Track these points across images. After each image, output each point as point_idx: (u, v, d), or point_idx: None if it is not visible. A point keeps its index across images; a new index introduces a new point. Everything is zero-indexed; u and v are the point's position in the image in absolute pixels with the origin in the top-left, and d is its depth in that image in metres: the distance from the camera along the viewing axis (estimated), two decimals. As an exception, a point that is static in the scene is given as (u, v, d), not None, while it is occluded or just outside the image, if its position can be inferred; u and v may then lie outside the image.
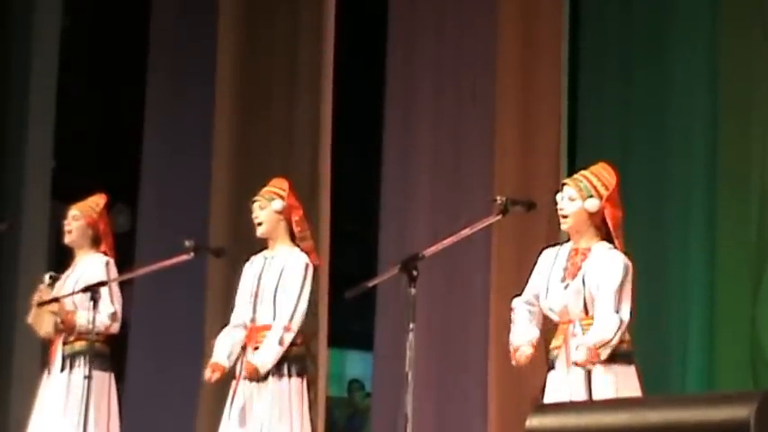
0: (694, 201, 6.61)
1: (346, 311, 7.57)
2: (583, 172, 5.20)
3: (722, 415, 3.08)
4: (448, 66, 7.67)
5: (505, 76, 7.31)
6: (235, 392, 5.71)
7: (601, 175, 5.13)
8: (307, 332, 5.78)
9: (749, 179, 6.42)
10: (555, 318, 5.06)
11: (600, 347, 4.82)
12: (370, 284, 4.96)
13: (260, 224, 5.83)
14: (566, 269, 5.06)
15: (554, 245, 5.21)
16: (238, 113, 8.32)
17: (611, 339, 4.84)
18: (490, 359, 6.97)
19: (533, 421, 3.49)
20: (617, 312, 4.89)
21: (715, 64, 6.62)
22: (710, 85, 6.62)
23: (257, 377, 5.61)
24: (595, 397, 4.85)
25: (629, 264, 4.98)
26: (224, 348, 5.76)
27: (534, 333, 5.08)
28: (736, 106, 6.50)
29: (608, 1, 7.16)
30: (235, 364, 5.74)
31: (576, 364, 4.87)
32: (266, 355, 5.61)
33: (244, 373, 5.63)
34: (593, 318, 4.96)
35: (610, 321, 4.87)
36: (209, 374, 5.76)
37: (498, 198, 4.97)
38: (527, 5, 7.32)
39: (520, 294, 5.19)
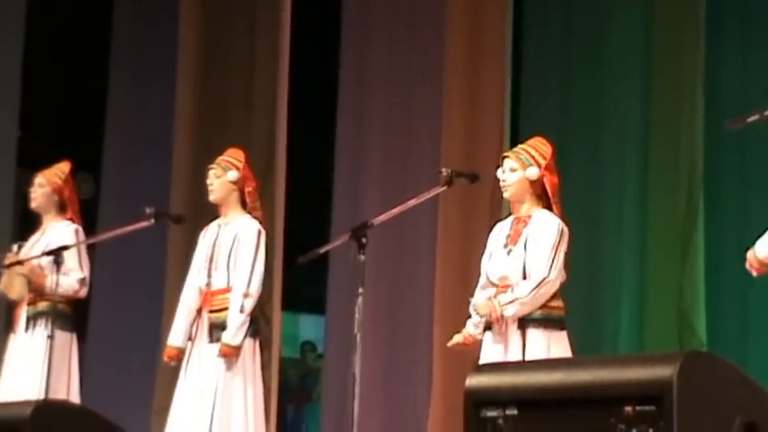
0: (628, 177, 6.85)
1: (300, 277, 7.73)
2: (520, 146, 5.43)
3: (648, 374, 3.17)
4: (400, 46, 7.82)
5: (453, 56, 7.47)
6: (190, 353, 5.86)
7: (538, 147, 5.35)
8: (261, 296, 5.93)
9: (678, 156, 6.65)
10: (495, 282, 5.24)
11: (506, 303, 5.04)
12: (322, 251, 5.16)
13: (213, 191, 5.98)
14: (508, 236, 5.26)
15: (499, 220, 5.43)
16: (199, 86, 8.41)
17: (524, 296, 5.04)
18: (435, 322, 7.19)
19: (472, 381, 3.49)
20: (549, 270, 5.08)
21: (648, 51, 6.83)
22: (643, 69, 6.84)
23: (235, 353, 5.74)
24: (528, 358, 5.05)
25: (565, 228, 5.19)
26: (180, 330, 5.92)
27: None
28: (667, 88, 6.72)
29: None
30: (190, 329, 5.90)
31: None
32: (235, 330, 5.74)
33: (220, 354, 5.74)
34: (530, 282, 5.21)
35: (531, 281, 5.07)
36: (167, 360, 5.92)
37: (444, 170, 5.16)
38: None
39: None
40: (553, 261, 5.11)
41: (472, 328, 5.32)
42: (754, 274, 4.48)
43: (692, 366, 3.11)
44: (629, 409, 3.13)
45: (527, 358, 5.06)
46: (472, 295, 5.31)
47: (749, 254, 4.44)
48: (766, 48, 6.47)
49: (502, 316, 5.05)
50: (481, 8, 7.47)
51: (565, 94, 7.22)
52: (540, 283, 5.07)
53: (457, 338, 5.36)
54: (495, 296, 5.13)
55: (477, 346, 5.29)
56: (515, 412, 3.41)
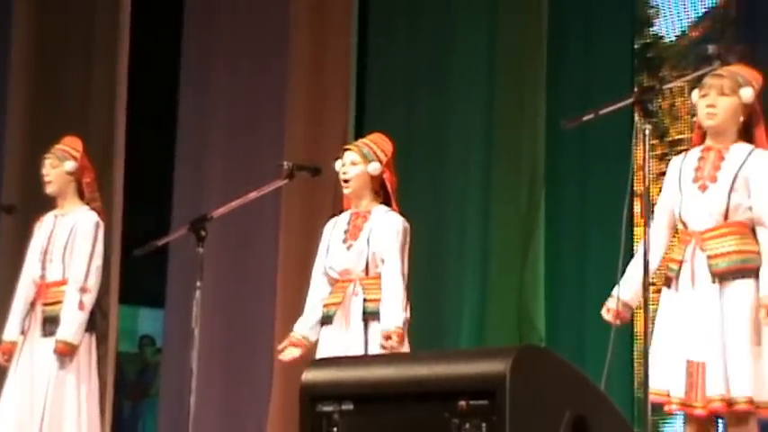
0: (471, 176, 6.94)
1: (140, 270, 7.63)
2: (362, 140, 5.44)
3: (481, 368, 3.19)
4: (243, 37, 7.78)
5: (297, 49, 7.47)
6: (22, 347, 5.74)
7: (379, 142, 5.37)
8: (98, 289, 5.82)
9: (520, 156, 6.76)
10: (335, 276, 5.27)
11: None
12: (159, 243, 5.10)
13: (49, 182, 5.86)
14: (347, 231, 5.28)
15: (334, 215, 5.44)
16: (34, 72, 8.22)
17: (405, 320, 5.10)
18: (276, 318, 7.16)
19: (308, 375, 3.46)
20: (402, 275, 5.14)
21: (492, 51, 6.91)
22: (489, 70, 6.93)
23: (73, 351, 5.63)
24: (371, 353, 5.09)
25: (408, 225, 5.24)
26: (17, 324, 5.79)
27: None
28: (510, 89, 6.83)
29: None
30: (23, 322, 5.78)
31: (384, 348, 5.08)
32: (71, 327, 5.63)
33: (56, 351, 5.63)
34: (372, 278, 5.22)
35: (396, 305, 5.09)
36: (2, 355, 5.79)
37: (285, 163, 5.16)
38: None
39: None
40: (403, 261, 5.17)
41: (305, 329, 5.29)
42: (619, 323, 4.54)
43: (524, 361, 3.14)
44: (463, 403, 3.14)
45: (370, 353, 5.09)
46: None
47: (609, 303, 4.51)
48: (606, 50, 6.60)
49: None
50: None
51: (410, 91, 7.27)
52: (404, 301, 5.13)
53: (290, 350, 5.29)
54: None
55: (309, 348, 5.27)
56: (351, 407, 3.40)
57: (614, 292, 4.51)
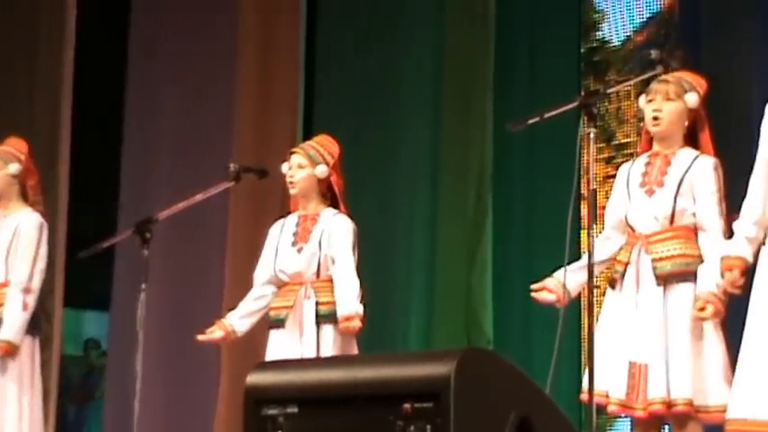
0: (419, 179, 6.96)
1: (85, 272, 7.58)
2: (308, 142, 5.45)
3: (426, 371, 3.20)
4: (192, 34, 7.75)
5: (246, 51, 7.46)
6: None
7: (326, 145, 5.39)
8: (41, 291, 5.79)
9: (468, 158, 6.78)
10: (286, 279, 5.27)
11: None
12: (104, 245, 5.07)
13: None
14: (296, 234, 5.30)
15: (281, 217, 5.44)
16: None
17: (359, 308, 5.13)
18: (223, 321, 7.15)
19: (253, 378, 3.46)
20: (355, 272, 5.18)
21: (440, 52, 6.92)
22: (437, 73, 6.94)
23: (15, 351, 5.58)
24: (323, 355, 5.11)
25: (356, 227, 5.27)
26: None
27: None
28: (459, 93, 6.86)
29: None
30: None
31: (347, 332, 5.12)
32: (13, 327, 5.59)
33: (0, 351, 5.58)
34: (324, 280, 5.24)
35: (353, 293, 5.14)
36: None
37: (232, 165, 5.18)
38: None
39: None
40: (353, 260, 5.19)
41: (234, 318, 5.32)
42: (543, 299, 4.59)
43: (469, 364, 3.15)
44: (407, 406, 3.14)
45: (321, 355, 5.10)
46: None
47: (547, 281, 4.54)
48: (553, 54, 6.63)
49: None
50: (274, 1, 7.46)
51: (358, 95, 7.27)
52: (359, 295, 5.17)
53: (211, 330, 5.32)
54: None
55: (231, 337, 5.31)
56: (296, 410, 3.39)
57: (558, 273, 4.55)
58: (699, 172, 4.49)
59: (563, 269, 4.51)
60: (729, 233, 4.29)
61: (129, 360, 5.09)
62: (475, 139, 6.75)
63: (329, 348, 5.14)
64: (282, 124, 7.33)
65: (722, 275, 4.18)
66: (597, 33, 6.67)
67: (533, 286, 4.66)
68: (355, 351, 5.22)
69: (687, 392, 4.32)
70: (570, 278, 4.50)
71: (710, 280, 4.32)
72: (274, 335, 5.25)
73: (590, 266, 4.00)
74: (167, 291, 7.33)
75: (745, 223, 4.15)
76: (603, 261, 4.60)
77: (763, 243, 4.06)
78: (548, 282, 4.63)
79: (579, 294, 5.40)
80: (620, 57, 6.57)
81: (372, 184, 6.98)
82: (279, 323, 5.23)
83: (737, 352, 4.06)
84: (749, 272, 4.13)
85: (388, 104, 7.13)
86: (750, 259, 4.14)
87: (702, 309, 4.31)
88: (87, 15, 8.09)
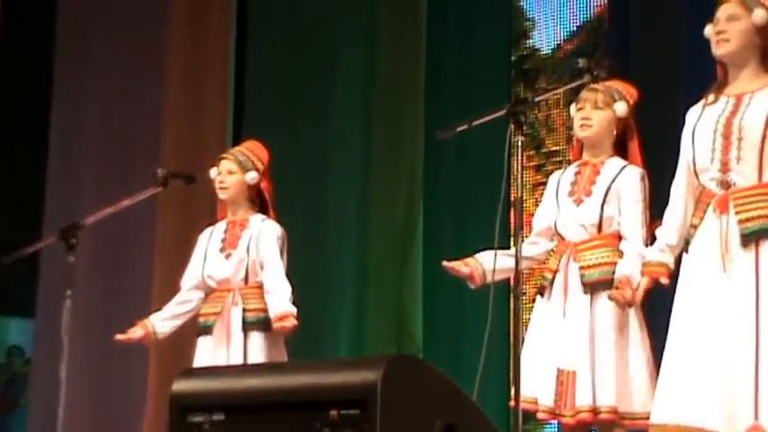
0: (350, 183, 6.94)
1: (9, 278, 7.48)
2: (238, 147, 5.44)
3: (353, 378, 3.21)
4: (120, 40, 7.67)
5: (175, 56, 7.41)
6: None
7: (256, 151, 5.39)
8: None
9: (399, 163, 6.79)
10: (214, 286, 5.26)
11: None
12: (28, 251, 5.01)
13: None
14: (224, 240, 5.28)
15: (210, 224, 5.42)
16: None
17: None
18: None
19: (179, 385, 3.47)
20: (285, 276, 5.17)
21: (371, 56, 6.92)
22: (368, 80, 6.94)
23: None
24: (251, 362, 5.10)
25: (285, 233, 5.27)
26: None
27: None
28: (390, 100, 6.86)
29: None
30: None
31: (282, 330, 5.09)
32: None
33: None
34: (252, 287, 5.21)
35: (285, 295, 5.13)
36: None
37: (159, 171, 5.15)
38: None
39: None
40: (283, 265, 5.20)
41: (156, 320, 5.32)
42: (474, 284, 4.61)
43: (395, 371, 3.15)
44: (334, 413, 3.15)
45: (249, 362, 5.09)
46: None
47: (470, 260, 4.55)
48: (484, 62, 6.65)
49: None
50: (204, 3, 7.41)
51: (288, 95, 7.24)
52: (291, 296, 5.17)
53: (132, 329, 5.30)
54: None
55: (151, 339, 5.29)
56: (222, 417, 3.37)
57: (479, 254, 4.57)
58: (625, 181, 4.55)
59: (486, 252, 4.54)
60: (652, 242, 4.34)
61: (54, 367, 5.03)
62: (406, 146, 6.76)
63: (257, 355, 5.14)
64: (212, 129, 7.29)
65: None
66: (528, 41, 6.71)
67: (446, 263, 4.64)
68: (284, 358, 5.20)
69: (611, 400, 4.36)
70: (490, 261, 4.50)
71: (629, 267, 4.34)
72: (202, 342, 5.23)
73: (517, 273, 4.02)
74: (94, 297, 7.26)
75: (667, 230, 4.19)
76: (529, 258, 4.60)
77: (686, 250, 4.11)
78: (467, 259, 4.64)
79: (509, 304, 5.44)
80: (551, 65, 6.61)
81: (302, 190, 6.97)
82: (207, 330, 5.22)
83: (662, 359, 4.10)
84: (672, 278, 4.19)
85: (318, 110, 7.11)
86: (671, 266, 4.19)
87: (618, 289, 4.31)
88: (12, 18, 7.99)
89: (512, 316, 5.95)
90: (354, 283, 6.81)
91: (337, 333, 6.82)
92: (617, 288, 4.32)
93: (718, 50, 4.09)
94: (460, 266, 4.64)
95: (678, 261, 4.16)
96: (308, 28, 7.22)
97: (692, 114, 4.19)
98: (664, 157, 4.38)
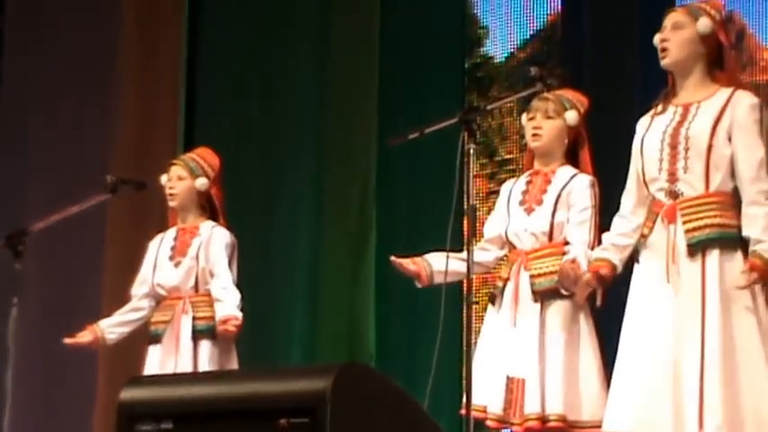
0: (302, 192, 6.90)
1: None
2: (188, 154, 5.42)
3: (303, 386, 3.20)
4: (69, 47, 7.61)
5: (125, 58, 7.36)
6: None
7: (206, 157, 5.38)
8: None
9: (351, 171, 6.77)
10: (164, 294, 5.24)
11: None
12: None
13: None
14: (174, 247, 5.27)
15: (160, 231, 5.40)
16: None
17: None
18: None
19: (126, 394, 3.44)
20: (235, 284, 5.17)
21: (324, 72, 6.91)
22: (321, 86, 6.91)
23: None
24: (201, 370, 5.10)
25: (235, 240, 5.27)
26: None
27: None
28: (343, 106, 6.83)
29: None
30: None
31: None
32: None
33: None
34: (202, 295, 5.19)
35: (233, 301, 5.13)
36: None
37: (108, 177, 5.11)
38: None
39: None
40: (233, 274, 5.19)
41: (105, 324, 5.30)
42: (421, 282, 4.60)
43: (345, 379, 3.15)
44: (283, 421, 3.13)
45: (199, 370, 5.09)
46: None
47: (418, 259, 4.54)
48: (438, 69, 6.65)
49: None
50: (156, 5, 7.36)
51: (240, 105, 7.21)
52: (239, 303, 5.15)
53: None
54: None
55: (99, 343, 5.27)
56: (170, 426, 3.35)
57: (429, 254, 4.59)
58: (575, 189, 4.57)
59: (435, 253, 4.55)
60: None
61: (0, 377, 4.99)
62: (359, 153, 6.75)
63: (207, 363, 5.14)
64: (163, 135, 7.24)
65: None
66: (481, 49, 6.72)
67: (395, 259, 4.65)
68: (235, 366, 5.18)
69: (560, 408, 4.37)
70: (439, 262, 4.50)
71: (576, 254, 4.35)
72: (152, 350, 5.23)
73: (468, 281, 4.02)
74: (41, 306, 7.18)
75: (613, 232, 4.23)
76: (479, 263, 4.60)
77: (636, 260, 4.13)
78: (416, 258, 4.65)
79: (462, 312, 5.44)
80: (504, 73, 6.62)
81: (254, 196, 6.93)
82: (157, 338, 5.22)
83: (613, 368, 4.11)
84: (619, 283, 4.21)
85: (271, 117, 7.08)
86: (617, 264, 4.20)
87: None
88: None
89: (464, 324, 5.97)
90: (307, 290, 6.79)
91: (290, 340, 6.80)
92: (563, 269, 4.29)
93: (663, 60, 4.12)
94: (409, 264, 4.63)
95: (630, 269, 4.18)
96: (261, 33, 7.18)
97: (642, 124, 4.22)
98: (615, 165, 4.40)
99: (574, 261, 4.30)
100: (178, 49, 7.33)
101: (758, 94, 4.42)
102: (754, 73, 5.76)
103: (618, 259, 4.19)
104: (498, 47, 6.63)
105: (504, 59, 6.63)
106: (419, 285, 4.67)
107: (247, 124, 7.13)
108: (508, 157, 6.48)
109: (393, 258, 4.69)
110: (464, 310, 4.77)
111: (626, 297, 4.15)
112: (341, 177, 6.78)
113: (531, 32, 6.51)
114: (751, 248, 3.94)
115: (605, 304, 4.41)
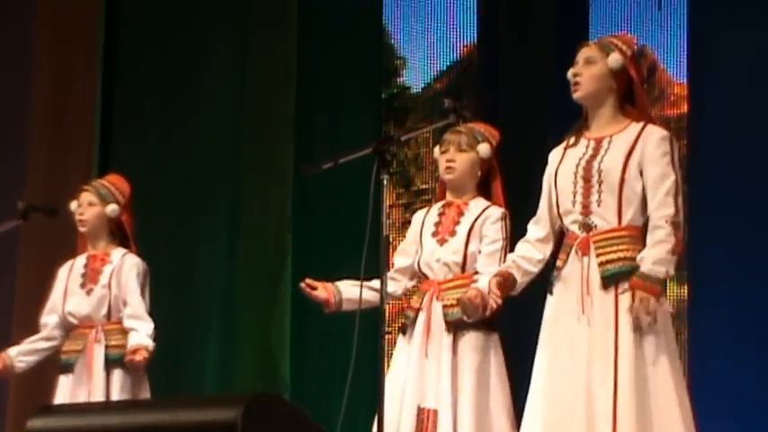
0: (218, 218, 6.88)
1: None
2: (100, 180, 5.38)
3: (214, 415, 3.22)
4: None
5: (39, 83, 7.28)
6: None
7: (117, 183, 5.35)
8: None
9: (268, 198, 6.77)
10: (75, 322, 5.19)
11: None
12: None
13: None
14: (85, 275, 5.22)
15: (70, 258, 5.34)
16: None
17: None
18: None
19: (34, 423, 3.47)
20: (148, 313, 5.13)
21: (242, 98, 6.90)
22: (237, 113, 6.91)
23: None
24: (114, 399, 5.04)
25: (147, 267, 5.23)
26: None
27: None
28: (260, 134, 6.82)
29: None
30: None
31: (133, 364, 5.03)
32: None
33: None
34: (115, 323, 5.16)
35: (145, 330, 5.09)
36: None
37: (20, 203, 5.07)
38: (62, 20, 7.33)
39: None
40: (146, 303, 5.15)
41: (14, 351, 5.23)
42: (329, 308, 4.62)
43: (256, 409, 3.17)
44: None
45: (111, 399, 5.02)
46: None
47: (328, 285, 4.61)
48: (355, 98, 6.68)
49: None
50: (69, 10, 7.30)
51: (156, 134, 7.15)
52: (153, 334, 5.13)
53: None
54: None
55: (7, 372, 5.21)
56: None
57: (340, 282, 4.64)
58: (487, 221, 4.61)
59: (347, 281, 4.62)
60: None
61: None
62: (275, 182, 6.74)
63: (119, 393, 5.08)
64: (77, 161, 7.17)
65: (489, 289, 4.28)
66: (399, 79, 6.76)
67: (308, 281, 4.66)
68: (148, 395, 5.13)
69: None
70: (349, 290, 4.60)
71: (482, 283, 4.39)
72: (63, 380, 5.16)
73: (382, 311, 4.03)
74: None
75: (517, 254, 4.27)
76: (387, 293, 4.62)
77: (550, 292, 4.17)
78: (327, 284, 4.69)
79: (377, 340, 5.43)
80: (420, 103, 6.66)
81: (169, 223, 6.88)
82: (68, 368, 5.15)
83: (524, 400, 4.14)
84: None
85: (187, 143, 7.04)
86: (518, 279, 4.21)
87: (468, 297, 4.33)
88: None
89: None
90: (222, 319, 6.75)
91: (202, 371, 6.75)
92: (467, 297, 4.32)
93: (575, 93, 4.18)
94: (319, 290, 4.64)
95: (541, 301, 4.21)
96: (175, 55, 7.13)
97: (554, 156, 4.27)
98: (527, 196, 4.44)
99: (478, 291, 4.32)
100: (93, 69, 7.25)
101: (668, 128, 4.51)
102: (663, 107, 5.86)
103: (519, 276, 4.23)
104: (415, 77, 6.68)
105: (420, 90, 6.67)
106: (326, 311, 4.70)
107: (163, 152, 7.09)
108: (424, 187, 6.51)
109: (302, 284, 4.71)
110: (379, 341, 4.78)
111: (538, 328, 4.19)
112: (257, 205, 6.77)
113: (448, 64, 6.57)
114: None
115: (517, 336, 4.46)
